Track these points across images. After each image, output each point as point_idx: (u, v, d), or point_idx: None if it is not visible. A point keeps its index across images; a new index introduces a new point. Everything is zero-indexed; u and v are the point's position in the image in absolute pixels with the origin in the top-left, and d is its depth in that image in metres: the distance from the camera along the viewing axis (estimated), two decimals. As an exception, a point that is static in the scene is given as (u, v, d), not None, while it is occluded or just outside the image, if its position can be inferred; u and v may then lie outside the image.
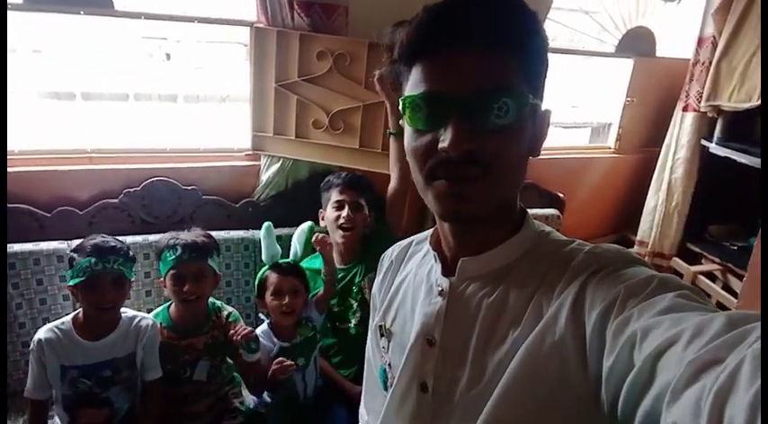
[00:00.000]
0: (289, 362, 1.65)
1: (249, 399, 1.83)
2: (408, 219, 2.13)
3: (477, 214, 0.65)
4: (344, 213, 1.89)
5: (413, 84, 0.65)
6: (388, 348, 0.84)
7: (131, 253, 1.62)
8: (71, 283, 1.49)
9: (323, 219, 1.99)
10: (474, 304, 0.69)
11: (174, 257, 1.64)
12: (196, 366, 1.70)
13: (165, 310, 1.74)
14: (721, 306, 2.73)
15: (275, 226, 2.15)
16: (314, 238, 1.79)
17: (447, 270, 0.75)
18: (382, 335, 0.85)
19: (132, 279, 1.61)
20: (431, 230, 0.83)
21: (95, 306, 1.51)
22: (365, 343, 0.99)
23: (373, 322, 0.93)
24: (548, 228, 0.75)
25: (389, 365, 0.83)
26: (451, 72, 0.61)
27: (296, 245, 1.82)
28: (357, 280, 1.94)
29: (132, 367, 1.60)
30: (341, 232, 1.90)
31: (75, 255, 1.52)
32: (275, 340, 1.75)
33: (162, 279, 1.69)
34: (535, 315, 0.63)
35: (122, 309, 1.62)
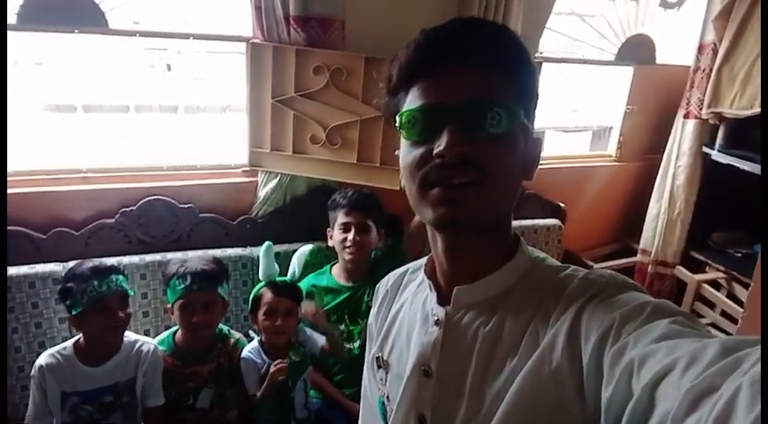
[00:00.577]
0: (284, 364, 1.65)
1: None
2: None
3: (474, 221, 0.64)
4: (350, 236, 1.88)
5: (410, 102, 0.66)
6: (385, 379, 0.82)
7: (126, 272, 1.62)
8: (74, 313, 1.47)
9: (331, 238, 1.98)
10: (470, 334, 0.69)
11: (183, 286, 1.60)
12: (199, 394, 1.67)
13: (170, 336, 1.72)
14: (727, 315, 2.70)
15: (273, 243, 2.13)
16: (307, 313, 1.77)
17: (442, 299, 0.74)
18: (380, 367, 0.84)
19: (131, 295, 1.60)
20: (425, 259, 0.82)
21: (106, 328, 1.49)
22: None
23: (370, 353, 0.91)
24: (542, 254, 0.74)
25: (387, 397, 0.81)
26: (447, 86, 0.63)
27: (294, 266, 1.79)
28: (365, 300, 1.91)
29: (133, 393, 1.57)
30: (348, 251, 1.89)
31: (71, 284, 1.49)
32: (265, 357, 1.73)
33: (170, 307, 1.66)
34: (532, 344, 0.63)
35: (125, 333, 1.60)
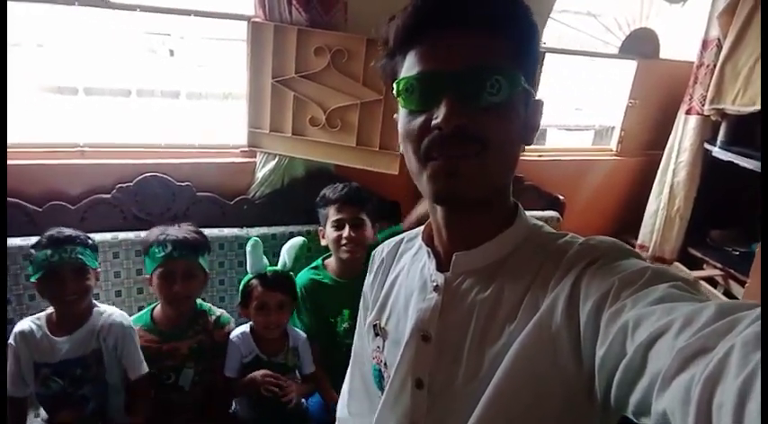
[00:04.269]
0: (274, 388, 1.64)
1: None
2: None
3: (472, 194, 0.65)
4: (345, 233, 1.81)
5: (407, 68, 0.65)
6: (383, 347, 0.83)
7: (91, 242, 1.56)
8: (32, 279, 1.46)
9: (323, 237, 1.92)
10: (469, 300, 0.69)
11: (163, 254, 1.58)
12: (180, 373, 1.65)
13: (148, 312, 1.69)
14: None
15: (269, 224, 2.14)
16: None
17: (441, 266, 0.75)
18: (377, 334, 0.84)
19: (97, 269, 1.56)
20: (422, 226, 0.83)
21: (59, 300, 1.48)
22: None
23: (365, 322, 0.91)
24: (540, 222, 0.75)
25: (385, 364, 0.82)
26: (445, 52, 0.62)
27: (285, 257, 1.75)
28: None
29: (100, 364, 1.54)
30: (345, 249, 1.83)
31: (32, 251, 1.48)
32: (254, 347, 1.71)
33: (148, 277, 1.64)
34: (530, 309, 0.63)
35: (97, 304, 1.58)
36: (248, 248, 1.71)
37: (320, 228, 1.94)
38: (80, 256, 1.49)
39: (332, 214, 1.86)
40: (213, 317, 1.74)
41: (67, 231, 1.51)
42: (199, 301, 1.74)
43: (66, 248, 1.46)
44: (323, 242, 1.92)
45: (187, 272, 1.61)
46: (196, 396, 1.69)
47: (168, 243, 1.58)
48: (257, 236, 2.03)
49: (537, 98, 0.69)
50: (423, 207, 1.96)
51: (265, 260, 1.74)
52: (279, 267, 1.76)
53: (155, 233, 1.64)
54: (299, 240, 1.80)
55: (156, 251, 1.59)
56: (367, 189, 1.97)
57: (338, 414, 0.98)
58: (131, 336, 1.57)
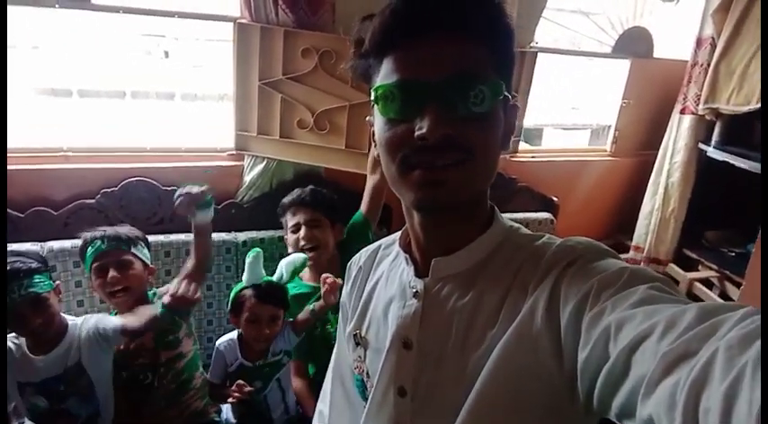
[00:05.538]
0: (248, 388, 1.61)
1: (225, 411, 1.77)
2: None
3: (454, 201, 0.64)
4: (302, 234, 1.80)
5: (385, 75, 0.64)
6: (364, 356, 0.81)
7: (36, 265, 1.44)
8: None
9: (288, 244, 1.89)
10: (449, 306, 0.69)
11: (93, 249, 1.56)
12: (157, 371, 1.61)
13: None
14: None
15: (258, 229, 2.10)
16: (325, 285, 1.66)
17: (419, 272, 0.74)
18: (358, 344, 0.83)
19: (57, 284, 1.49)
20: (398, 232, 0.82)
21: (27, 333, 1.43)
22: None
23: (345, 332, 0.90)
24: (516, 224, 0.74)
25: (367, 374, 0.80)
26: (426, 60, 0.61)
27: (282, 269, 1.70)
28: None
29: (82, 374, 1.49)
30: (305, 251, 1.80)
31: None
32: (239, 355, 1.68)
33: (90, 282, 1.62)
34: (511, 312, 0.63)
35: (68, 319, 1.53)
36: (248, 259, 1.66)
37: (285, 236, 1.92)
38: (31, 289, 1.38)
39: (289, 219, 1.86)
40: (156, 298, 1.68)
41: (18, 262, 1.40)
42: (151, 291, 1.70)
43: (13, 287, 1.36)
44: (289, 250, 1.88)
45: (120, 262, 1.57)
46: (166, 390, 1.64)
47: (97, 240, 1.57)
48: (245, 240, 2.02)
49: (513, 103, 0.68)
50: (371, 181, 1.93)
51: (262, 273, 1.69)
52: (275, 278, 1.71)
53: (87, 236, 1.61)
54: (300, 256, 1.74)
55: (89, 249, 1.57)
56: (323, 192, 1.93)
57: None
58: (105, 329, 1.50)
